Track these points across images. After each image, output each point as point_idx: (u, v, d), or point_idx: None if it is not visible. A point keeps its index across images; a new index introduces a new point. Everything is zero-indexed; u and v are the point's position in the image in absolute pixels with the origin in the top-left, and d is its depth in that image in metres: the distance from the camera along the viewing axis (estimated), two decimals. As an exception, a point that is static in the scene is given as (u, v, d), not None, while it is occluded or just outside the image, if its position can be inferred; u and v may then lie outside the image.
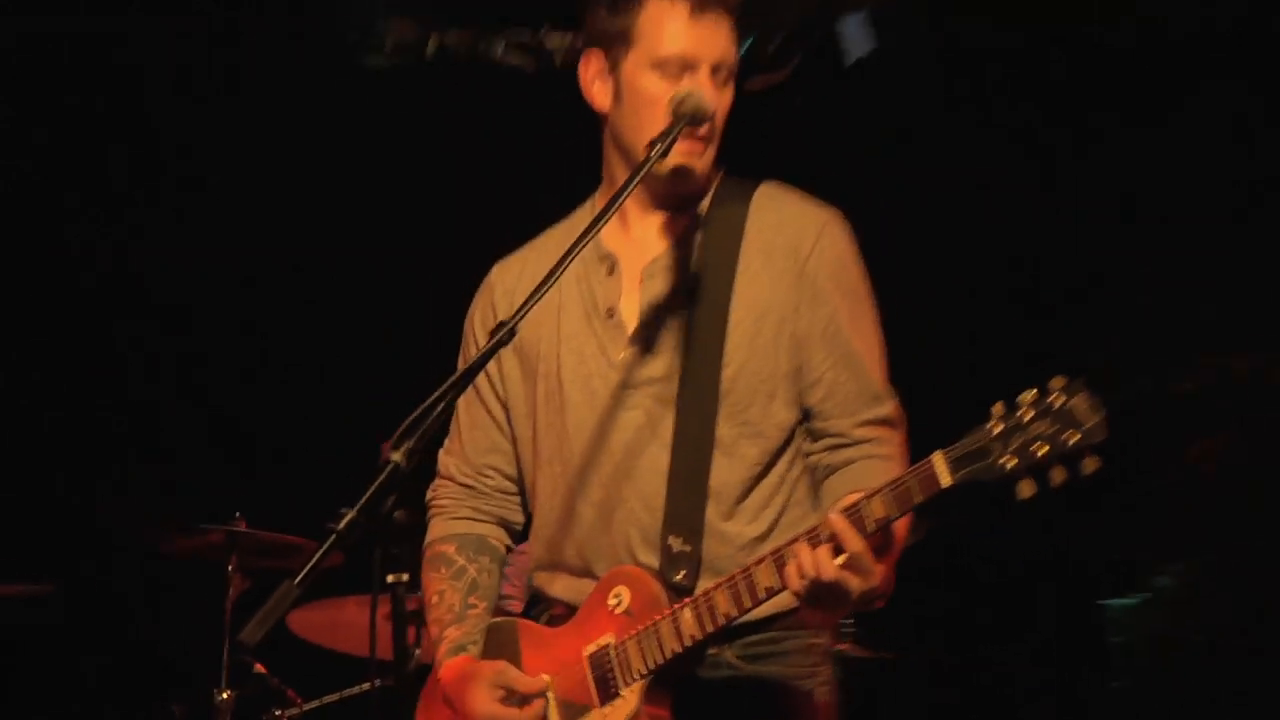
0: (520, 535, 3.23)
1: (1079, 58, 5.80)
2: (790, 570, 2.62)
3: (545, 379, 3.02)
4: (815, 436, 2.95)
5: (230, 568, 5.12)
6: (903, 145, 5.85)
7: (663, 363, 2.93)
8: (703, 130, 2.89)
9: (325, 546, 2.29)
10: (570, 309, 3.03)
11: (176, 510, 5.44)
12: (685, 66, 2.89)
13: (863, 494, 2.59)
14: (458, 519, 3.17)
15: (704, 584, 2.81)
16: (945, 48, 5.87)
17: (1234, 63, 5.63)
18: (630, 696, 2.81)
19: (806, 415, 2.94)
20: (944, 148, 5.84)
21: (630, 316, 2.98)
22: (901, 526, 2.72)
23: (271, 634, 2.25)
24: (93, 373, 6.39)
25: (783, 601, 2.82)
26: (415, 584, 2.70)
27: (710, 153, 2.94)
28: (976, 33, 5.85)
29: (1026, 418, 2.47)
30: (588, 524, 2.95)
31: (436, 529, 3.18)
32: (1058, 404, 2.45)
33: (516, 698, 2.86)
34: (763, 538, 2.89)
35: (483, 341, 2.90)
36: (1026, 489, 2.46)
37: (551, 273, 2.62)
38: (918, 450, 2.72)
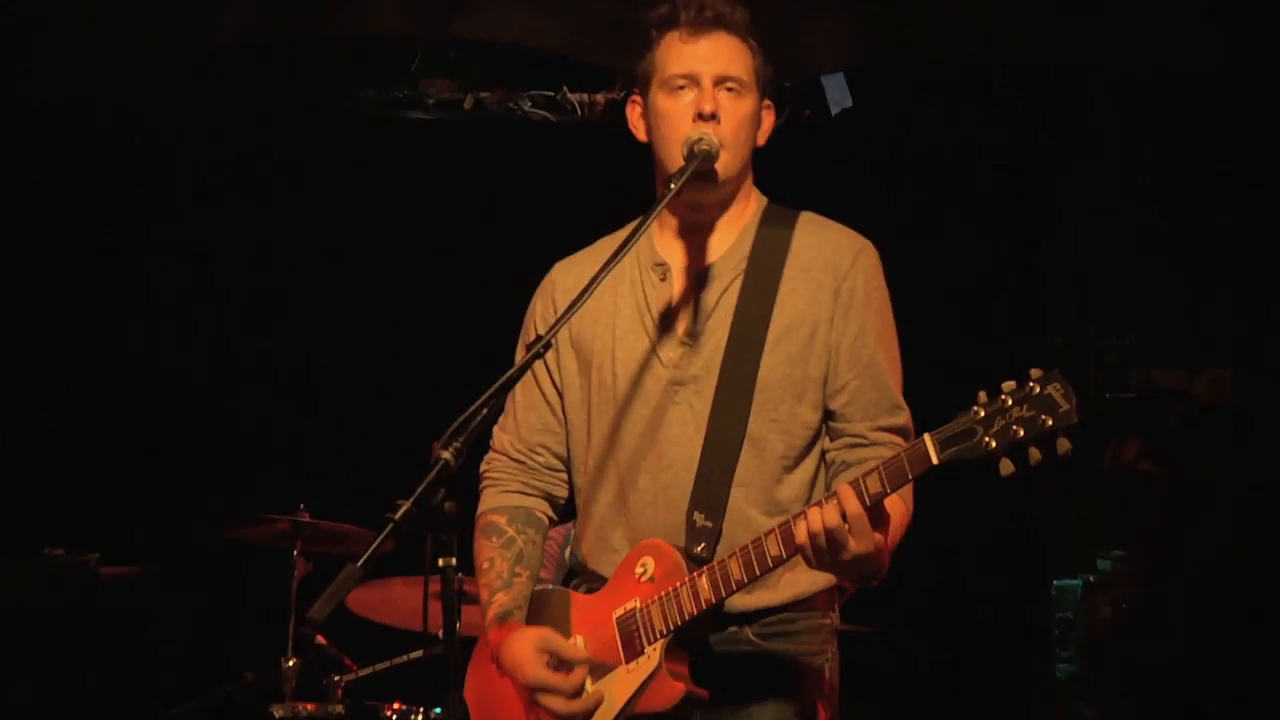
0: (562, 509, 3.15)
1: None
2: (800, 527, 2.60)
3: (599, 371, 2.98)
4: (835, 435, 2.92)
5: (295, 553, 5.11)
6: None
7: (706, 362, 2.90)
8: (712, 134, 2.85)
9: (384, 534, 2.26)
10: (625, 311, 2.99)
11: (248, 503, 5.45)
12: (689, 81, 2.88)
13: (862, 470, 2.59)
14: (509, 492, 3.09)
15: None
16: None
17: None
18: (653, 654, 2.77)
19: (829, 417, 2.92)
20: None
21: (680, 319, 2.95)
22: (898, 515, 2.71)
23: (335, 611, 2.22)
24: (177, 385, 6.39)
25: (799, 588, 2.82)
26: (461, 567, 2.66)
27: (727, 157, 2.88)
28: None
29: (1007, 404, 2.45)
30: (634, 508, 2.91)
31: (489, 499, 3.11)
32: (1035, 391, 2.43)
33: (559, 662, 2.82)
34: None
35: (543, 332, 2.97)
36: (1006, 467, 2.44)
37: (579, 297, 2.62)
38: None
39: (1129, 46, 5.43)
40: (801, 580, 2.85)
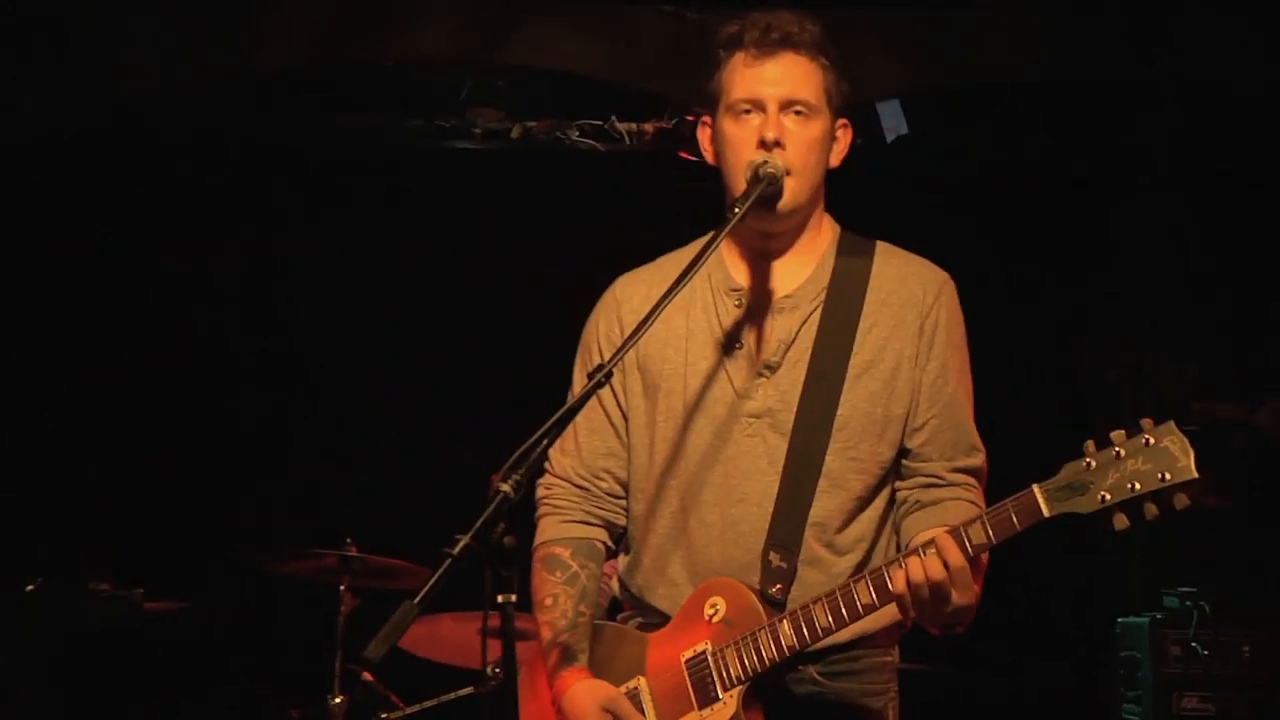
0: (619, 538, 3.04)
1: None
2: (897, 577, 2.53)
3: (668, 397, 2.89)
4: (909, 474, 2.84)
5: (342, 588, 5.01)
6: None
7: (783, 395, 2.81)
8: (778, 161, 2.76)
9: (442, 569, 2.20)
10: (698, 336, 2.90)
11: (295, 537, 5.40)
12: (754, 106, 2.81)
13: (960, 518, 2.52)
14: (571, 521, 2.97)
15: (796, 600, 2.71)
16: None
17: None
18: (730, 701, 2.69)
19: (903, 455, 2.84)
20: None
21: (756, 349, 2.86)
22: (982, 562, 2.63)
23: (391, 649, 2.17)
24: (225, 420, 6.36)
25: (864, 625, 2.73)
26: (521, 605, 2.58)
27: (794, 184, 2.79)
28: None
29: (1120, 455, 2.37)
30: (699, 540, 2.82)
31: (550, 529, 2.98)
32: (1150, 443, 2.36)
33: None
34: (858, 567, 2.79)
35: (606, 351, 2.93)
36: (1120, 522, 2.39)
37: (643, 321, 2.56)
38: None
39: (1185, 66, 5.36)
40: (868, 617, 2.74)
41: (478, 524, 2.22)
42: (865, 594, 2.59)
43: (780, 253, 2.89)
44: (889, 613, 2.74)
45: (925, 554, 2.51)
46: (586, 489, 2.98)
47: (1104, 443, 2.41)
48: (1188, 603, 5.32)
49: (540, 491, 3.01)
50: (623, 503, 2.99)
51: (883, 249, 2.93)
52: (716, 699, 2.70)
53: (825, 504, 2.77)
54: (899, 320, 2.83)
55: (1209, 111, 5.64)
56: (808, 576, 2.73)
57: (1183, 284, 6.04)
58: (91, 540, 5.89)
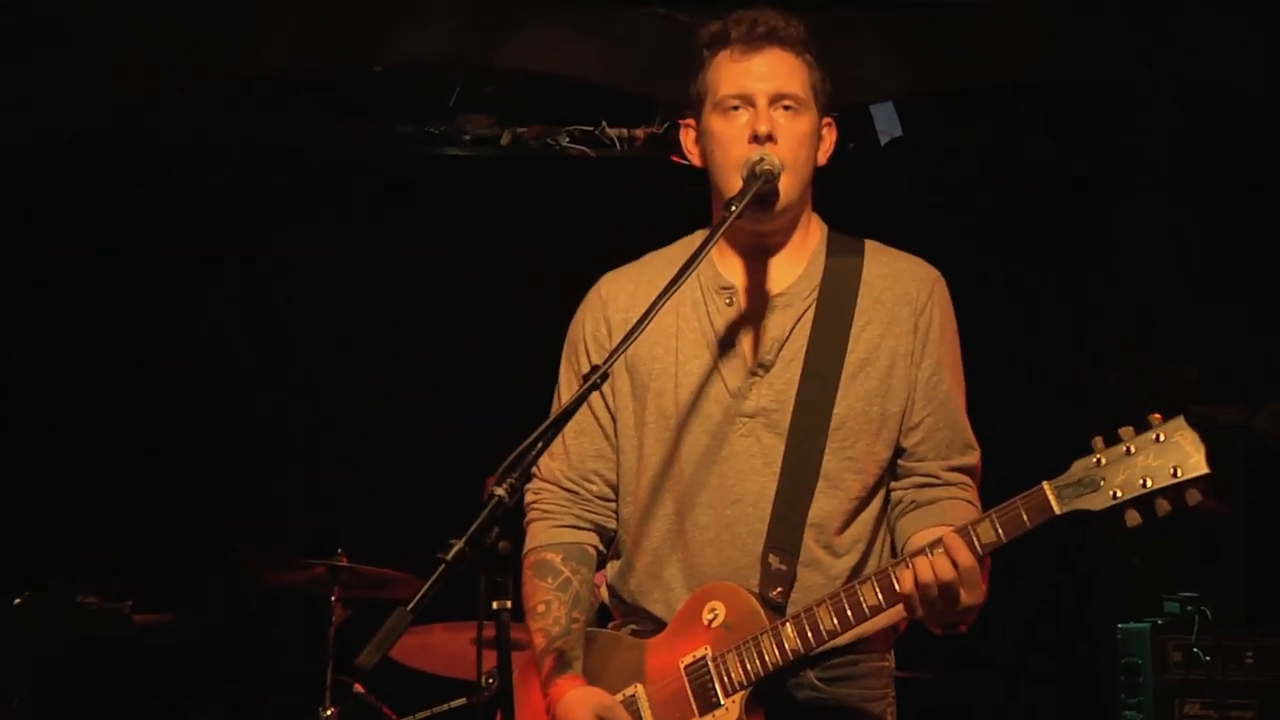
0: (610, 542, 2.99)
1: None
2: (904, 577, 2.50)
3: (658, 397, 2.84)
4: (904, 474, 2.81)
5: (333, 598, 4.99)
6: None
7: (778, 394, 2.77)
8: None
9: (435, 576, 2.15)
10: (689, 335, 2.85)
11: (284, 547, 5.36)
12: (743, 101, 2.77)
13: (970, 520, 2.48)
14: (561, 526, 2.93)
15: (796, 603, 2.67)
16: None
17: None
18: (732, 706, 2.65)
19: (898, 454, 2.80)
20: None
21: (749, 348, 2.82)
22: (986, 563, 2.58)
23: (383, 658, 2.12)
24: (212, 427, 6.31)
25: (863, 629, 2.68)
26: (517, 613, 2.54)
27: (788, 179, 2.75)
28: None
29: (1130, 451, 2.34)
30: (694, 543, 2.78)
31: (541, 534, 2.93)
32: (1162, 438, 2.33)
33: None
34: (856, 569, 2.76)
35: (593, 351, 2.89)
36: (1132, 519, 2.36)
37: (637, 323, 2.51)
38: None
39: (1185, 66, 5.35)
40: (865, 622, 2.70)
41: (472, 529, 2.17)
42: (871, 595, 2.56)
43: (771, 250, 2.86)
44: (886, 616, 2.70)
45: (933, 554, 2.48)
46: (576, 492, 2.94)
47: (1113, 439, 2.38)
48: (1189, 608, 5.28)
49: (528, 496, 2.96)
50: (612, 506, 2.94)
51: (872, 247, 2.91)
52: (718, 704, 2.66)
53: (824, 505, 2.73)
54: (893, 317, 2.80)
55: (1209, 111, 5.62)
56: (806, 579, 2.70)
57: (1183, 285, 6.02)
58: (80, 552, 5.84)
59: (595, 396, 2.89)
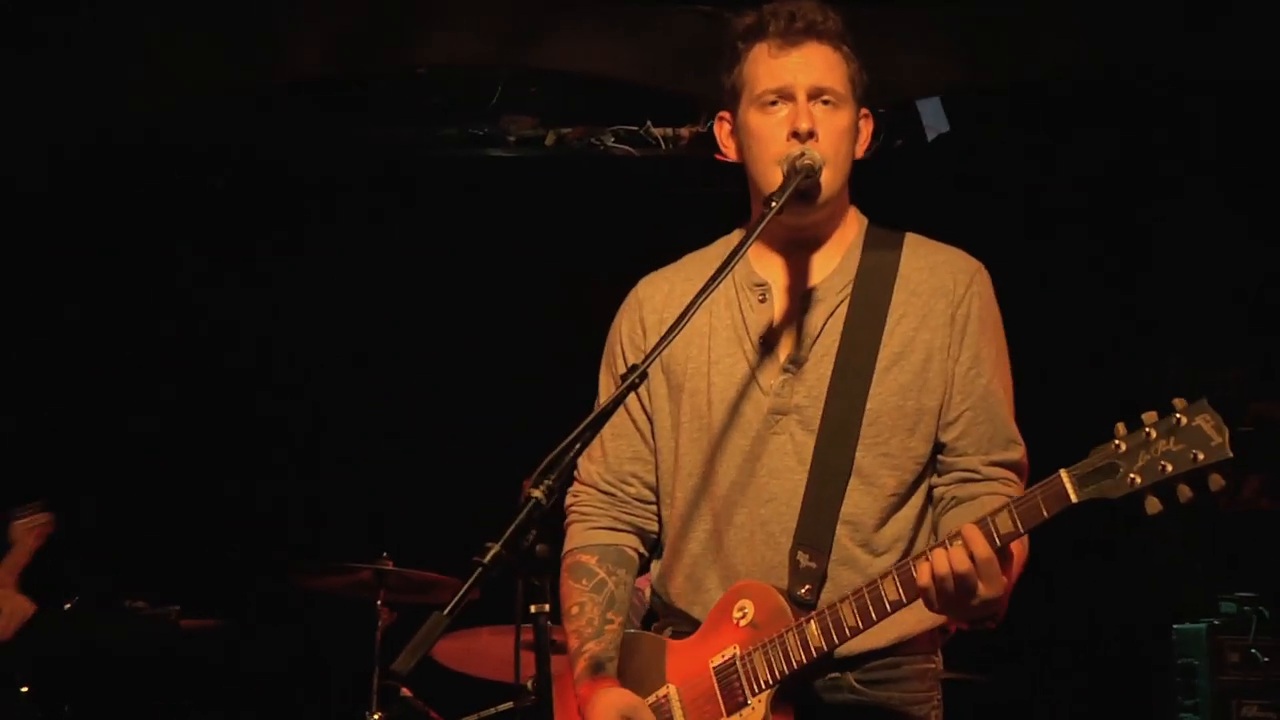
0: (653, 544, 2.97)
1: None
2: (922, 570, 2.44)
3: (692, 397, 2.82)
4: (945, 470, 2.75)
5: (378, 602, 5.00)
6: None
7: (810, 390, 2.73)
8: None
9: (472, 579, 2.13)
10: (721, 333, 2.82)
11: (330, 551, 5.38)
12: (782, 97, 2.73)
13: (990, 509, 2.42)
14: (598, 528, 2.91)
15: (828, 601, 2.62)
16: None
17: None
18: (758, 706, 2.61)
19: (939, 450, 2.75)
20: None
21: (782, 344, 2.78)
22: (1019, 553, 2.53)
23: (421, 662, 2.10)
24: (259, 434, 6.36)
25: (905, 629, 2.64)
26: (555, 616, 2.52)
27: (828, 174, 2.72)
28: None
29: (1151, 436, 2.27)
30: (729, 543, 2.75)
31: (577, 536, 2.93)
32: (1182, 423, 2.25)
33: None
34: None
35: (630, 353, 2.88)
36: (1153, 506, 2.27)
37: (674, 325, 2.48)
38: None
39: (1233, 63, 5.28)
40: (907, 620, 2.65)
41: (509, 531, 2.16)
42: (892, 590, 2.50)
43: (808, 245, 2.83)
44: (930, 617, 2.65)
45: (950, 545, 2.43)
46: (613, 494, 2.92)
47: (1135, 424, 2.30)
48: (1246, 608, 5.23)
49: (568, 499, 2.95)
50: (652, 508, 2.92)
51: (912, 240, 2.86)
52: (745, 704, 2.63)
53: (858, 501, 2.69)
54: (928, 310, 2.75)
55: (1258, 109, 5.55)
56: (842, 577, 2.66)
57: (1228, 283, 5.94)
58: (128, 558, 5.88)
59: (632, 398, 2.86)
